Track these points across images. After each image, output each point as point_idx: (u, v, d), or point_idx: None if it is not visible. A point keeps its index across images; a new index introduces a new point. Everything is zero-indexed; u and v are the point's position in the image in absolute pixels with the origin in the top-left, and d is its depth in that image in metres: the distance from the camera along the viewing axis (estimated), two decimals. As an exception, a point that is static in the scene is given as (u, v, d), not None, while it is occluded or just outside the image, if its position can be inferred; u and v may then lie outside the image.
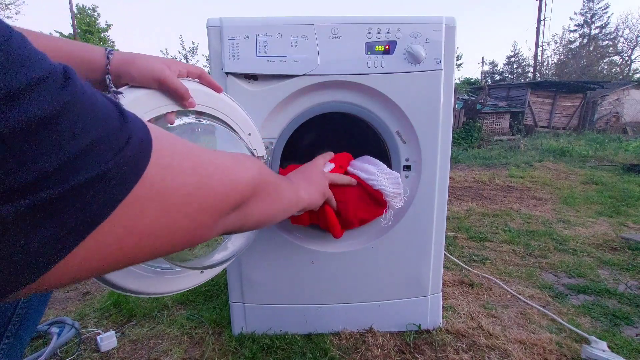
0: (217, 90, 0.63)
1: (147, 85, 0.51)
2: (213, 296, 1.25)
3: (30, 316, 0.51)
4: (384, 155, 0.93)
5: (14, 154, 0.16)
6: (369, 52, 0.82)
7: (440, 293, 1.04)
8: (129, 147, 0.21)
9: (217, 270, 0.68)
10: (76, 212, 0.19)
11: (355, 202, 0.82)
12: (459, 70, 18.78)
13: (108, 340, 0.98)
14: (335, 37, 0.81)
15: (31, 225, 0.17)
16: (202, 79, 0.61)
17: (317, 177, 0.68)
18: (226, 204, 0.30)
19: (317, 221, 0.83)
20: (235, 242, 0.68)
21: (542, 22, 17.52)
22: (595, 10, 22.78)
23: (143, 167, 0.22)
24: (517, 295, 1.23)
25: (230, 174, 0.31)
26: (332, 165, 0.84)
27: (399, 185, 0.82)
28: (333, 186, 0.79)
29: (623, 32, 22.54)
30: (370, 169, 0.83)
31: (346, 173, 0.86)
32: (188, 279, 0.63)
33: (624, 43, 22.52)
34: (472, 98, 8.56)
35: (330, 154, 0.82)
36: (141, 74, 0.50)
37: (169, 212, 0.24)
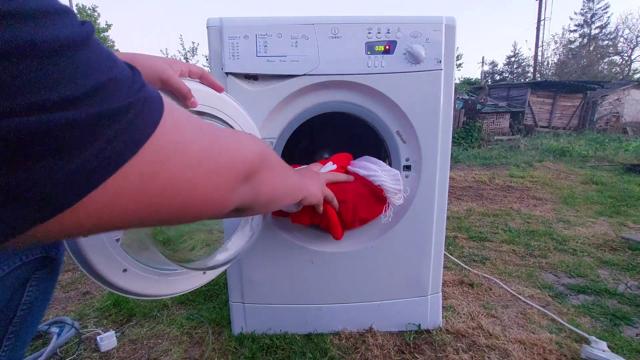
0: (219, 90, 0.63)
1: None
2: (213, 296, 1.25)
3: (31, 317, 0.51)
4: (384, 155, 0.93)
5: (54, 69, 0.17)
6: (369, 52, 0.82)
7: (440, 293, 1.04)
8: (144, 90, 0.23)
9: (219, 271, 0.68)
10: (107, 142, 0.19)
11: (355, 200, 0.82)
12: (459, 70, 18.79)
13: (108, 340, 0.98)
14: (335, 37, 0.81)
15: (69, 144, 0.18)
16: (203, 79, 0.61)
17: (314, 175, 0.70)
18: (238, 168, 0.31)
19: (317, 221, 0.83)
20: (236, 243, 0.68)
21: (542, 22, 17.53)
22: (595, 10, 22.79)
23: (159, 113, 0.23)
24: (517, 295, 1.23)
25: (239, 141, 0.33)
26: (335, 166, 0.84)
27: (399, 181, 0.83)
28: (332, 185, 0.79)
29: (623, 32, 22.56)
30: (370, 166, 0.84)
31: (347, 172, 0.87)
32: (190, 280, 0.63)
33: (624, 43, 22.53)
34: (472, 98, 8.56)
35: (318, 165, 0.83)
36: (143, 74, 0.50)
37: (188, 166, 0.25)
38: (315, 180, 0.68)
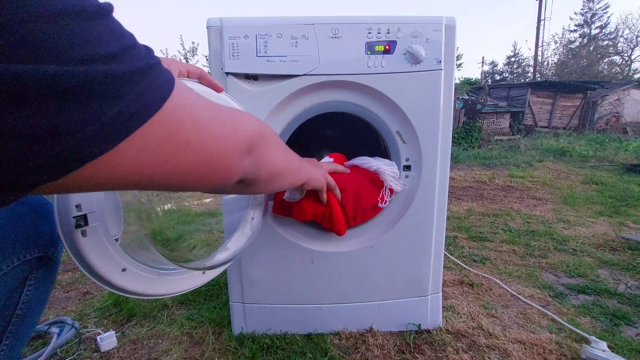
0: (218, 90, 0.63)
1: None
2: (213, 296, 1.25)
3: (29, 316, 0.51)
4: (384, 155, 0.93)
5: (98, 29, 0.21)
6: (369, 52, 0.82)
7: (440, 293, 1.04)
8: (157, 58, 0.26)
9: (218, 270, 0.68)
10: (138, 95, 0.22)
11: (355, 189, 0.83)
12: (459, 70, 18.75)
13: (108, 340, 0.98)
14: (335, 37, 0.81)
15: (105, 94, 0.21)
16: (202, 79, 0.61)
17: (316, 162, 0.72)
18: (241, 138, 0.34)
19: (320, 216, 0.82)
20: (236, 243, 0.68)
21: (542, 22, 17.54)
22: (595, 10, 22.79)
23: (172, 79, 0.26)
24: (517, 295, 1.23)
25: (240, 115, 0.36)
26: (332, 159, 0.86)
27: (395, 166, 0.88)
28: (332, 176, 0.80)
29: (623, 32, 22.56)
30: (366, 158, 0.89)
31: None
32: (190, 280, 0.63)
33: (624, 43, 22.53)
34: (472, 98, 8.56)
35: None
36: None
37: (198, 129, 0.28)
38: (317, 166, 0.69)
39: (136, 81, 0.22)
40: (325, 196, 0.76)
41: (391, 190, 0.88)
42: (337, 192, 0.79)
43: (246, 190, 0.42)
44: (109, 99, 0.21)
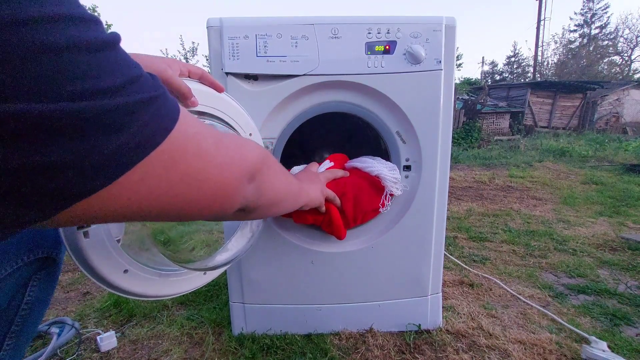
0: (219, 90, 0.63)
1: None
2: (213, 296, 1.25)
3: (32, 317, 0.51)
4: (384, 155, 0.93)
5: (101, 62, 0.21)
6: (369, 52, 0.82)
7: (440, 293, 1.04)
8: (163, 88, 0.26)
9: (219, 271, 0.68)
10: (142, 126, 0.22)
11: (355, 192, 0.83)
12: (459, 70, 18.76)
13: (108, 340, 0.98)
14: (335, 37, 0.81)
15: (106, 128, 0.20)
16: (203, 79, 0.61)
17: (315, 177, 0.72)
18: (244, 167, 0.34)
19: (319, 222, 0.83)
20: (236, 244, 0.68)
21: (542, 22, 17.54)
22: (595, 10, 22.80)
23: (177, 109, 0.26)
24: (517, 295, 1.23)
25: (242, 143, 0.36)
26: (332, 164, 0.85)
27: (397, 171, 0.86)
28: (332, 181, 0.80)
29: (623, 32, 22.57)
30: (367, 160, 0.87)
31: (344, 169, 0.88)
32: (191, 281, 0.63)
33: (624, 43, 22.54)
34: (472, 98, 8.56)
35: (315, 164, 0.85)
36: None
37: (201, 159, 0.28)
38: (315, 183, 0.70)
39: (140, 112, 0.22)
40: (324, 208, 0.76)
41: (391, 194, 0.88)
42: (337, 201, 0.79)
43: (246, 217, 0.42)
44: (110, 131, 0.20)
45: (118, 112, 0.21)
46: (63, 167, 0.19)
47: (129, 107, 0.22)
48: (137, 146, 0.22)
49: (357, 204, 0.84)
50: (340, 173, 0.84)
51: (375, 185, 0.86)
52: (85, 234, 0.47)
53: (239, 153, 0.33)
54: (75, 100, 0.19)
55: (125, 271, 0.52)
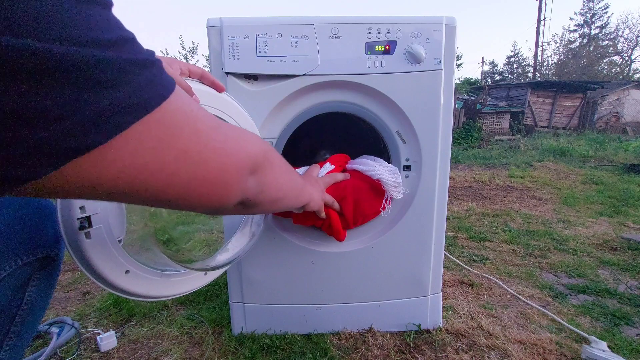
0: (219, 89, 0.63)
1: None
2: (213, 296, 1.25)
3: (32, 316, 0.51)
4: (384, 155, 0.93)
5: (94, 13, 0.20)
6: (369, 52, 0.82)
7: (440, 293, 1.04)
8: (159, 60, 0.25)
9: (220, 271, 0.68)
10: (137, 88, 0.21)
11: (355, 195, 0.82)
12: (459, 70, 18.79)
13: (108, 340, 0.98)
14: (335, 37, 0.81)
15: (99, 81, 0.19)
16: (203, 78, 0.61)
17: (314, 182, 0.72)
18: (244, 158, 0.32)
19: (318, 225, 0.83)
20: (236, 244, 0.68)
21: (542, 22, 17.54)
22: (595, 10, 22.80)
23: (173, 82, 0.25)
24: (517, 295, 1.23)
25: (244, 134, 0.34)
26: (333, 166, 0.85)
27: (398, 175, 0.85)
28: (332, 185, 0.80)
29: (623, 32, 22.56)
30: (368, 162, 0.86)
31: (344, 170, 0.87)
32: (192, 282, 0.63)
33: (624, 43, 22.54)
34: (472, 98, 8.56)
35: (317, 166, 0.84)
36: None
37: (198, 140, 0.26)
38: (315, 184, 0.70)
39: (135, 73, 0.21)
40: (323, 214, 0.76)
41: (391, 198, 0.87)
42: (336, 205, 0.79)
43: (247, 211, 0.41)
44: (103, 86, 0.20)
45: (111, 66, 0.20)
46: (53, 117, 0.18)
47: (123, 65, 0.21)
48: (131, 106, 0.21)
49: (357, 208, 0.83)
50: (340, 177, 0.83)
51: (376, 188, 0.85)
52: (87, 235, 0.47)
53: (239, 143, 0.32)
54: (71, 45, 0.18)
55: (127, 272, 0.52)
